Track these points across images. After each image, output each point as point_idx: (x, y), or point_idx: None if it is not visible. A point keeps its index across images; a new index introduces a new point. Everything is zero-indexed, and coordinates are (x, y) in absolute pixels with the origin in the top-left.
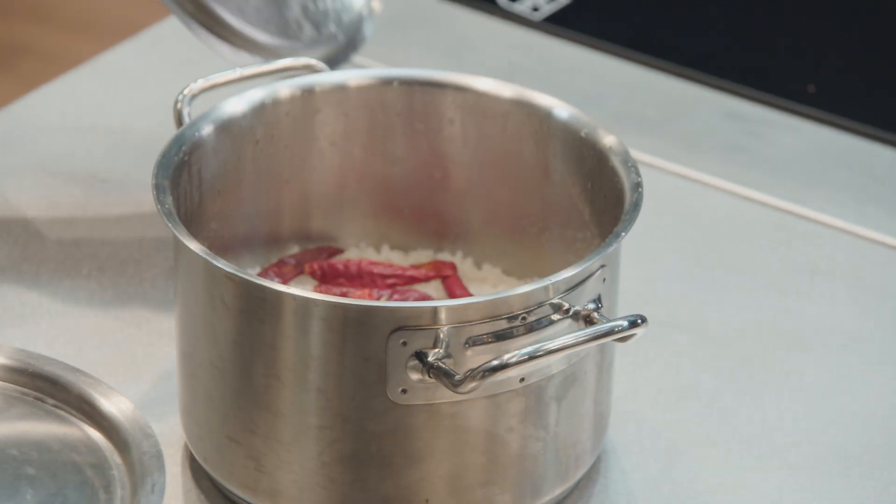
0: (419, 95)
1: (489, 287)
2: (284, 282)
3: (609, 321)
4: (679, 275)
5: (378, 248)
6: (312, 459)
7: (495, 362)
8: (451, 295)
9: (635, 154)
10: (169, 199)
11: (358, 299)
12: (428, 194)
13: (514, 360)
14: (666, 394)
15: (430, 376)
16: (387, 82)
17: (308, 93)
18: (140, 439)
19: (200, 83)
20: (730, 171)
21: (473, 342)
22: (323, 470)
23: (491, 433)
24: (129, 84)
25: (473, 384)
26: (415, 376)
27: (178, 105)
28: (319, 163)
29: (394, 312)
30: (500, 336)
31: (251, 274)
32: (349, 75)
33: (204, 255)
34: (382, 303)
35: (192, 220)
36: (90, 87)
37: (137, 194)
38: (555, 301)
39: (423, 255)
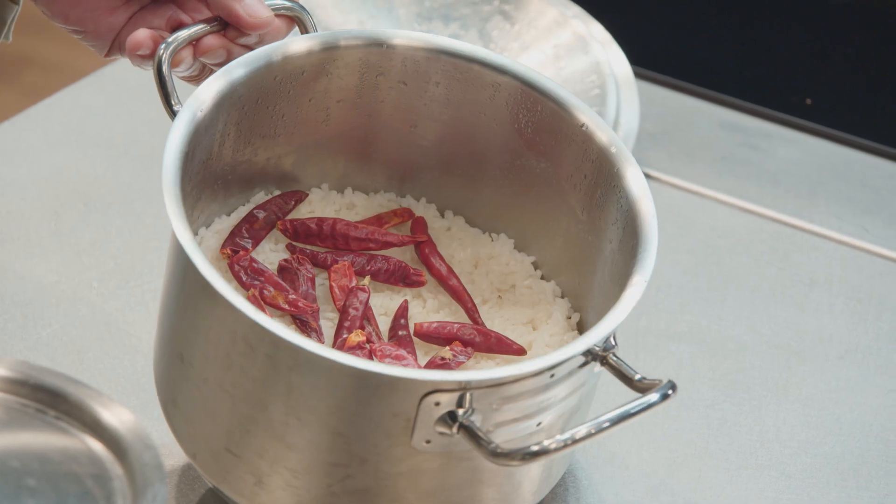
0: (411, 58)
1: (457, 244)
2: (257, 243)
3: (642, 393)
4: (678, 286)
5: (341, 191)
6: (321, 489)
7: (535, 448)
8: (427, 265)
9: None
10: (190, 234)
11: (394, 367)
12: (396, 143)
13: (553, 446)
14: (664, 404)
15: (457, 432)
16: (377, 44)
17: (296, 55)
18: (141, 450)
19: (177, 36)
20: (728, 182)
21: (503, 402)
22: (330, 499)
23: (501, 469)
24: (130, 96)
25: (515, 462)
26: (441, 429)
27: (161, 53)
28: (294, 116)
29: (429, 382)
30: (528, 395)
31: (287, 331)
32: (338, 36)
33: (244, 311)
34: (419, 373)
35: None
36: (92, 100)
37: (139, 206)
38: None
39: (384, 198)
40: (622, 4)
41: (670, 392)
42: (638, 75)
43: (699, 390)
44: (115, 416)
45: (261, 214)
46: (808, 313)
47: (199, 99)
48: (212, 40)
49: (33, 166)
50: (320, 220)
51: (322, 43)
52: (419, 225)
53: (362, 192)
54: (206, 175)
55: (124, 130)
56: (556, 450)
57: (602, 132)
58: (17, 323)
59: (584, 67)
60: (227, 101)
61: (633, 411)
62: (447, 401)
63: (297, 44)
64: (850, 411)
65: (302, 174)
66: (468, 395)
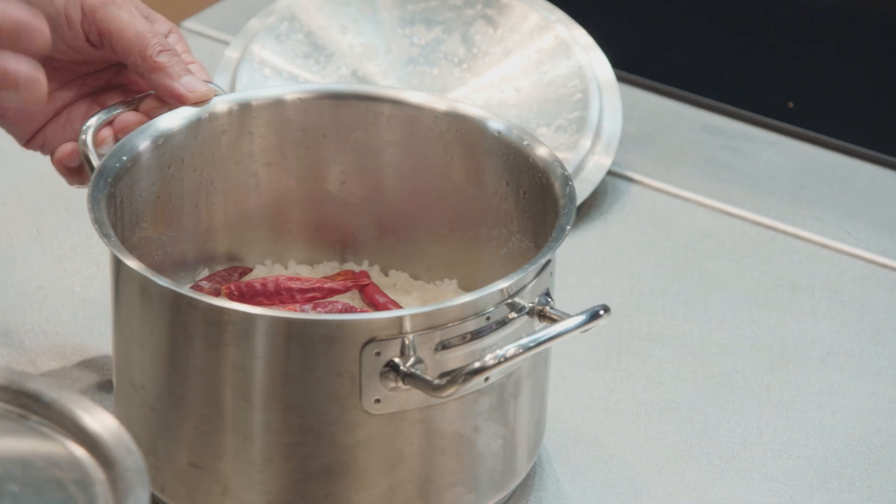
0: (317, 110)
1: (402, 292)
2: None
3: (568, 315)
4: (660, 289)
5: (285, 265)
6: (284, 478)
7: (477, 364)
8: (373, 303)
9: (616, 169)
10: (112, 232)
11: (329, 314)
12: (330, 205)
13: (491, 361)
14: (647, 407)
15: (404, 384)
16: (288, 99)
17: (214, 117)
18: (123, 455)
19: (96, 118)
20: (710, 186)
21: (442, 346)
22: (294, 487)
23: (459, 434)
24: None
25: (454, 388)
26: (389, 385)
27: (83, 136)
28: (224, 184)
29: (365, 325)
30: (466, 338)
31: (218, 299)
32: (249, 95)
33: (166, 285)
34: (353, 316)
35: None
36: None
37: None
38: (513, 300)
39: (328, 268)
40: (605, 9)
41: (602, 312)
42: (620, 79)
43: (682, 394)
44: (97, 422)
45: (206, 285)
46: (791, 316)
47: (124, 147)
48: (129, 116)
49: (13, 172)
50: (264, 280)
51: (237, 102)
52: (362, 274)
53: (306, 264)
54: (145, 251)
55: None
56: (494, 365)
57: (517, 132)
58: (0, 329)
59: (566, 72)
60: (153, 154)
61: (561, 330)
62: (387, 349)
63: (214, 105)
64: (832, 414)
65: (243, 252)
66: (408, 342)
